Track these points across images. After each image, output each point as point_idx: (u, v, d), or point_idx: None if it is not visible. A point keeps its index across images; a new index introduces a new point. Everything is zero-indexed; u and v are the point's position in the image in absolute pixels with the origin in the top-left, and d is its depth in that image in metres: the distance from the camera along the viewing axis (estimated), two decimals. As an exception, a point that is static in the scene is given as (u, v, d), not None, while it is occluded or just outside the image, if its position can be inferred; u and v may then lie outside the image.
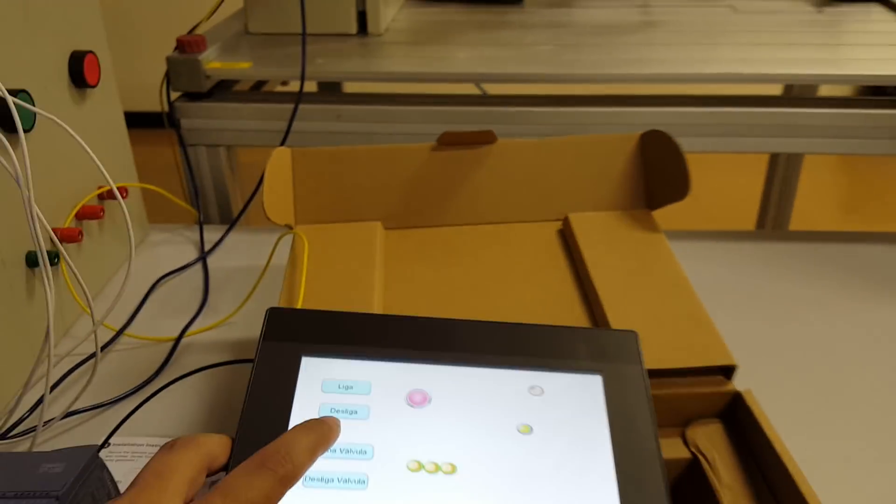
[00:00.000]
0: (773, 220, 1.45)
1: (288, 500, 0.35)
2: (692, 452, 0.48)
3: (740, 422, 0.48)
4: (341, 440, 0.39)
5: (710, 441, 0.48)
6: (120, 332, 0.66)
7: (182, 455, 0.35)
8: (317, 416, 0.39)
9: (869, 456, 0.54)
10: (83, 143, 0.52)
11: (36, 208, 0.47)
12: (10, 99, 0.49)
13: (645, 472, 0.39)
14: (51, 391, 0.58)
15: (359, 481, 0.38)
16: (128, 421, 0.56)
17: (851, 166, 2.79)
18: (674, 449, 0.48)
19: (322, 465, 0.38)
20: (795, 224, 1.49)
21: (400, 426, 0.40)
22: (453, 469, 0.39)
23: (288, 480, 0.35)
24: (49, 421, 0.55)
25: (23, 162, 0.47)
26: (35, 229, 0.47)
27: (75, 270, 0.51)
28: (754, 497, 0.44)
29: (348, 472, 0.38)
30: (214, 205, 0.88)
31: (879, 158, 2.71)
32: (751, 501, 0.44)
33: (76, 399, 0.56)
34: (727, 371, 0.49)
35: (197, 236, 0.82)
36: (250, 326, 0.68)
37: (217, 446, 0.36)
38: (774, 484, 0.44)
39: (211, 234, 0.82)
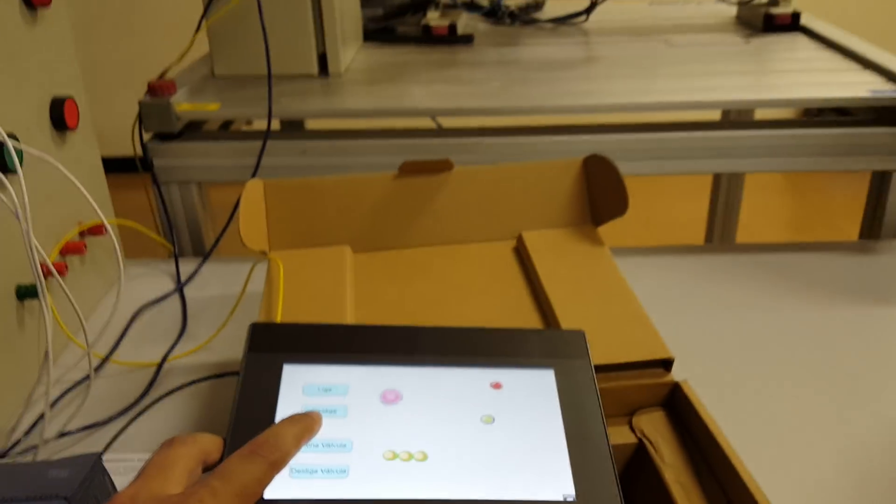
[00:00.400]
0: (719, 238, 1.54)
1: (278, 490, 0.40)
2: (638, 438, 0.53)
3: (680, 409, 0.54)
4: (323, 436, 0.44)
5: (654, 427, 0.54)
6: (107, 358, 0.70)
7: (181, 449, 0.39)
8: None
9: (795, 437, 0.60)
10: (76, 181, 0.57)
11: (35, 241, 0.51)
12: (7, 141, 0.53)
13: (594, 453, 0.44)
14: (34, 426, 0.62)
15: (340, 471, 0.42)
16: (120, 438, 0.59)
17: (798, 186, 2.92)
18: (622, 435, 0.53)
19: (307, 458, 0.42)
20: (743, 241, 1.58)
21: (375, 422, 0.45)
22: (425, 457, 0.43)
23: (277, 465, 0.39)
24: (46, 441, 0.59)
25: (21, 198, 0.51)
26: (34, 261, 0.52)
27: (71, 298, 0.55)
28: (694, 474, 0.50)
29: (331, 463, 0.43)
30: (188, 239, 0.92)
31: (826, 178, 2.85)
32: (691, 478, 0.50)
33: (70, 419, 0.60)
34: (666, 364, 0.55)
35: (172, 269, 0.86)
36: (228, 350, 0.72)
37: (211, 444, 0.41)
38: (711, 461, 0.50)
39: (186, 267, 0.86)
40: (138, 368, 0.70)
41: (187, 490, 0.36)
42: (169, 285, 0.83)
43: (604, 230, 0.70)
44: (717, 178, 1.53)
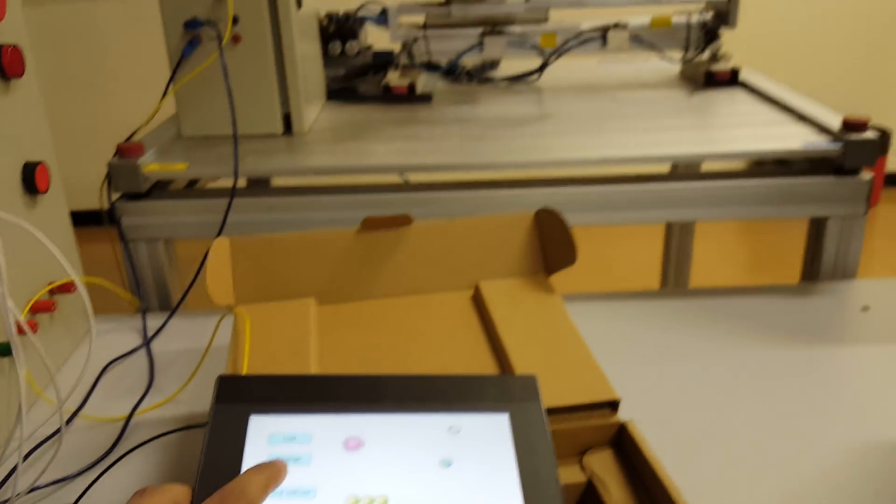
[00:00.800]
0: (674, 282, 1.59)
1: (244, 535, 0.42)
2: (588, 477, 0.56)
3: (627, 448, 0.58)
4: (287, 483, 0.46)
5: (603, 466, 0.57)
6: (76, 413, 0.71)
7: (152, 499, 0.41)
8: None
9: (735, 473, 0.63)
10: (50, 244, 0.59)
11: (11, 302, 0.54)
12: (-17, 207, 0.56)
13: (547, 493, 0.47)
14: (7, 477, 0.63)
15: (305, 516, 0.45)
16: (89, 492, 0.61)
17: (752, 227, 3.03)
18: (573, 474, 0.56)
19: (272, 504, 0.45)
20: (699, 285, 1.65)
21: (338, 468, 0.48)
22: (385, 501, 0.46)
23: None
24: (17, 495, 0.60)
25: (-3, 262, 0.53)
26: (10, 322, 0.54)
27: (43, 356, 0.57)
28: (640, 507, 0.53)
29: (296, 509, 0.45)
30: (154, 295, 0.94)
31: (780, 222, 2.95)
32: (637, 511, 0.53)
33: (41, 474, 0.61)
34: (613, 405, 0.59)
35: (139, 325, 0.88)
36: (195, 403, 0.74)
37: (181, 493, 0.43)
38: (656, 498, 0.53)
39: (152, 322, 0.88)
40: (107, 423, 0.71)
41: None
42: (136, 340, 0.85)
43: (563, 276, 0.73)
44: (669, 224, 1.59)
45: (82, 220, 1.05)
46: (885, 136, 2.95)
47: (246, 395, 0.51)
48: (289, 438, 0.49)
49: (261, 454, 0.48)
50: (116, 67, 2.90)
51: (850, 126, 0.94)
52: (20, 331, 0.66)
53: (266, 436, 0.49)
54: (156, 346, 0.84)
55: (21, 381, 0.55)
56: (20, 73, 0.73)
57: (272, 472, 0.45)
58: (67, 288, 0.79)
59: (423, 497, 0.46)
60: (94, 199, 0.93)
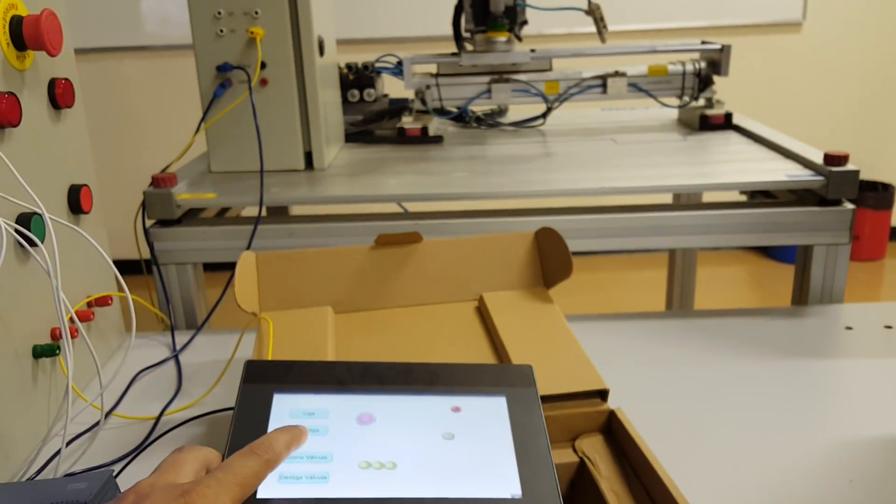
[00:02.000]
0: (678, 304, 1.66)
1: (269, 493, 0.48)
2: (580, 457, 0.61)
3: (616, 434, 0.63)
4: (306, 450, 0.52)
5: (593, 447, 0.62)
6: (111, 411, 0.77)
7: (190, 454, 0.47)
8: None
9: (719, 459, 0.68)
10: (102, 251, 0.66)
11: (63, 296, 0.60)
12: (46, 216, 0.63)
13: (539, 462, 0.53)
14: (51, 459, 0.69)
15: (322, 477, 0.50)
16: (122, 478, 0.66)
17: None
18: (566, 455, 0.62)
19: (292, 467, 0.50)
20: (702, 304, 1.72)
21: (352, 438, 0.53)
22: (394, 466, 0.52)
23: (270, 463, 0.47)
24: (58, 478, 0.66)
25: (54, 262, 0.60)
26: (62, 316, 0.61)
27: (89, 342, 0.63)
28: (626, 484, 0.58)
29: (313, 471, 0.51)
30: (181, 314, 1.01)
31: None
32: (623, 487, 0.58)
33: (75, 463, 0.67)
34: (603, 395, 0.64)
35: (167, 340, 0.95)
36: (220, 405, 0.80)
37: (213, 454, 0.49)
38: (640, 472, 0.58)
39: (180, 337, 0.95)
40: (138, 422, 0.77)
41: (197, 479, 0.44)
42: (165, 353, 0.92)
43: (570, 303, 0.79)
44: (672, 253, 1.66)
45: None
46: (889, 191, 3.01)
47: (270, 376, 0.57)
48: (308, 413, 0.55)
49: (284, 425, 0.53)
50: (141, 122, 3.04)
51: (831, 160, 1.00)
52: (73, 331, 0.73)
53: (288, 411, 0.55)
54: (183, 357, 0.91)
55: (69, 368, 0.61)
56: (71, 104, 0.82)
57: (296, 432, 0.50)
58: (104, 301, 0.85)
59: (428, 463, 0.52)
60: (118, 247, 1.00)
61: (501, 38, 1.31)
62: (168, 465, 0.46)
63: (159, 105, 3.00)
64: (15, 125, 0.70)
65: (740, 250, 3.23)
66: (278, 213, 1.41)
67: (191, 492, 0.42)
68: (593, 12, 1.27)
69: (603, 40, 1.31)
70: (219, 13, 1.07)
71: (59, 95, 0.79)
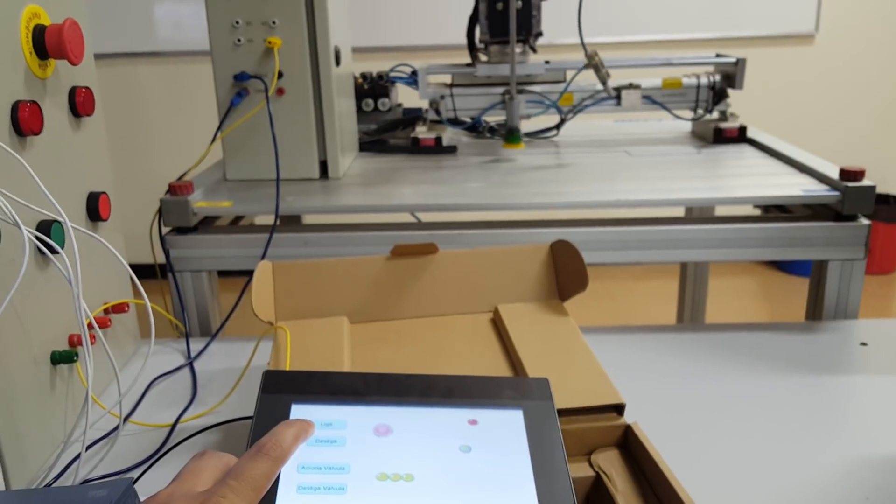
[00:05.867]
0: (689, 317, 1.65)
1: (287, 502, 0.48)
2: (596, 472, 0.61)
3: (632, 448, 0.63)
4: (324, 460, 0.52)
5: (609, 462, 0.62)
6: (127, 417, 0.78)
7: (210, 460, 0.48)
8: (304, 446, 0.52)
9: (736, 476, 0.68)
10: (122, 260, 0.67)
11: (84, 303, 0.61)
12: (68, 224, 0.64)
13: (556, 477, 0.53)
14: (70, 464, 0.69)
15: (339, 488, 0.51)
16: (139, 485, 0.67)
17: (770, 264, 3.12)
18: (582, 469, 0.62)
19: (311, 477, 0.50)
20: (714, 318, 1.72)
21: (369, 450, 0.53)
22: (411, 478, 0.52)
23: (279, 461, 0.47)
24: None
25: (75, 269, 0.61)
26: (83, 323, 0.61)
27: (108, 349, 0.64)
28: (643, 500, 0.58)
29: (331, 482, 0.51)
30: (196, 321, 1.02)
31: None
32: (639, 501, 0.58)
33: (93, 469, 0.67)
34: (619, 409, 0.64)
35: (182, 348, 0.95)
36: (235, 414, 0.80)
37: (232, 460, 0.49)
38: (657, 487, 0.58)
39: (194, 345, 0.95)
40: (154, 429, 0.78)
41: (212, 488, 0.45)
42: (179, 360, 0.92)
43: (582, 315, 0.80)
44: (684, 265, 1.66)
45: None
46: (901, 204, 3.01)
47: (288, 386, 0.58)
48: (325, 424, 0.55)
49: (301, 437, 0.53)
50: (154, 128, 3.05)
51: (847, 175, 1.00)
52: (91, 337, 0.74)
53: (305, 421, 0.55)
54: (197, 365, 0.91)
55: (90, 377, 0.62)
56: (91, 112, 0.82)
57: (301, 425, 0.51)
58: (121, 308, 0.86)
59: (445, 476, 0.52)
60: (130, 252, 1.00)
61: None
62: (187, 474, 0.46)
63: (172, 111, 3.02)
64: (37, 133, 0.70)
65: (752, 262, 3.23)
66: (291, 222, 1.42)
67: (206, 502, 0.42)
68: (592, 58, 1.27)
69: (604, 84, 1.30)
70: (237, 22, 1.08)
71: (80, 104, 0.80)
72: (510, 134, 1.25)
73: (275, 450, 0.47)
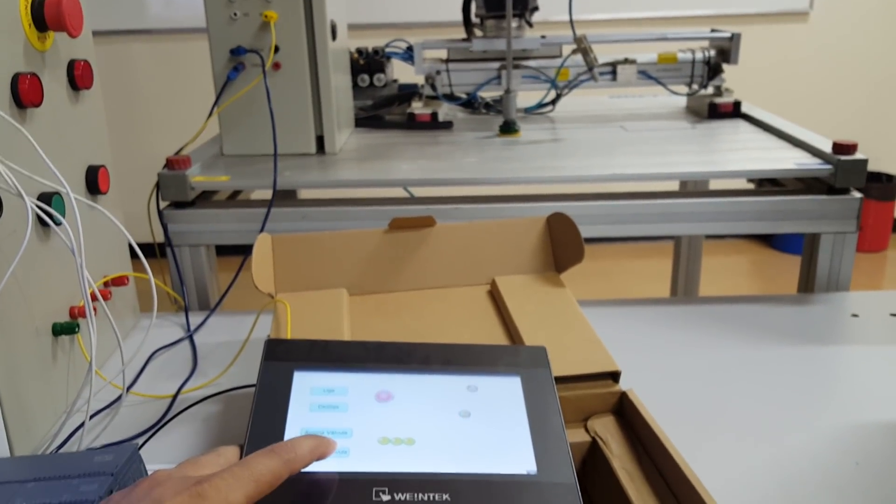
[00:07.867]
0: (682, 290, 1.67)
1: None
2: (592, 437, 0.63)
3: (627, 415, 0.64)
4: (327, 425, 0.53)
5: (605, 428, 0.63)
6: (129, 388, 0.79)
7: (213, 458, 0.46)
8: (307, 412, 0.52)
9: (729, 441, 0.70)
10: (124, 230, 0.67)
11: (87, 273, 0.62)
12: (70, 194, 0.64)
13: (553, 440, 0.54)
14: (73, 433, 0.70)
15: (342, 452, 0.52)
16: (142, 452, 0.68)
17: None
18: (578, 435, 0.63)
19: (314, 442, 0.51)
20: (707, 291, 1.74)
21: (371, 415, 0.54)
22: (412, 441, 0.53)
23: (290, 464, 0.45)
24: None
25: (77, 240, 0.61)
26: (86, 293, 0.62)
27: (112, 320, 0.64)
28: (637, 462, 0.59)
29: (334, 446, 0.52)
30: (194, 295, 1.02)
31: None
32: (635, 465, 0.59)
33: (96, 439, 0.68)
34: (615, 376, 0.65)
35: (181, 321, 0.96)
36: (236, 385, 0.81)
37: (233, 455, 0.48)
38: (651, 452, 0.59)
39: (193, 318, 0.96)
40: (155, 400, 0.79)
41: (213, 473, 0.44)
42: (179, 334, 0.93)
43: (577, 290, 0.80)
44: (677, 243, 1.67)
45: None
46: (893, 182, 3.02)
47: (290, 354, 0.59)
48: (328, 391, 0.56)
49: (304, 402, 0.54)
50: (148, 106, 3.04)
51: (840, 149, 1.01)
52: (94, 303, 0.74)
53: (308, 388, 0.56)
54: (197, 338, 0.92)
55: (93, 347, 0.62)
56: (89, 86, 0.82)
57: (321, 441, 0.48)
58: (121, 281, 0.87)
59: (444, 439, 0.53)
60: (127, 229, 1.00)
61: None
62: (189, 462, 0.45)
63: (167, 89, 3.00)
64: (37, 106, 0.71)
65: (744, 240, 3.24)
66: (287, 197, 1.42)
67: (204, 482, 0.41)
68: (579, 43, 1.27)
69: (591, 69, 1.30)
70: (232, -3, 1.08)
71: (79, 77, 0.80)
72: (506, 126, 1.25)
73: (288, 452, 0.45)
